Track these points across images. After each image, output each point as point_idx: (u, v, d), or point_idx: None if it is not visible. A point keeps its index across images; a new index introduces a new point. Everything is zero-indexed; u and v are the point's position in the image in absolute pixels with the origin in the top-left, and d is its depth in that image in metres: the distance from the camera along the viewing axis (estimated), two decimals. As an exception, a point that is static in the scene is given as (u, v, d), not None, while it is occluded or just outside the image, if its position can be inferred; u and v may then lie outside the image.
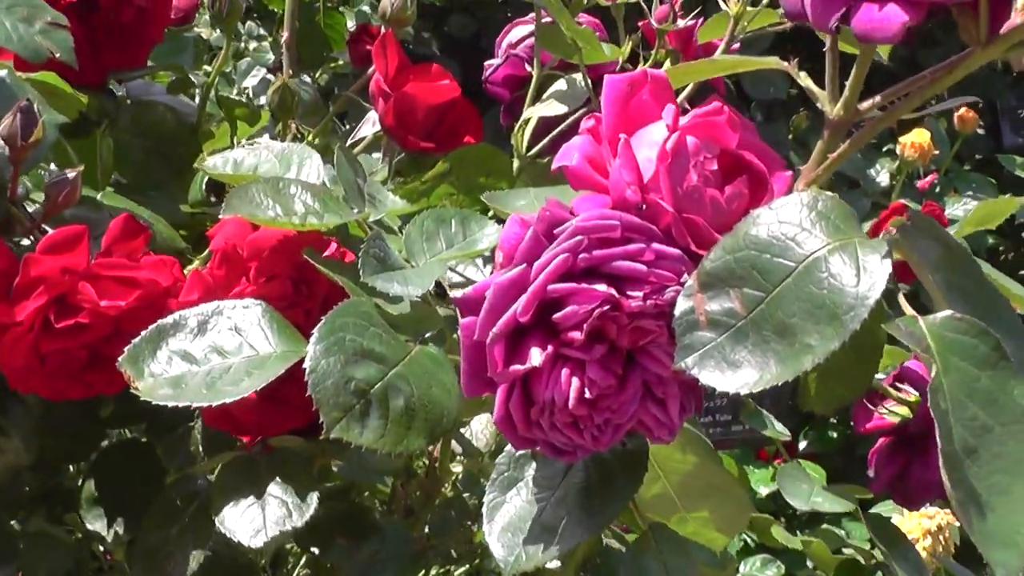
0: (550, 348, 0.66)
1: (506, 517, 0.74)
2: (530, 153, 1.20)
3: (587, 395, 0.65)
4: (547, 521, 0.73)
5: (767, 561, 2.50)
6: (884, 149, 3.56)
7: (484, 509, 0.75)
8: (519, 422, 0.68)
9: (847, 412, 2.98)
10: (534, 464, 0.76)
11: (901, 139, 3.03)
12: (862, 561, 1.01)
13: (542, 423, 0.67)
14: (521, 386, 0.67)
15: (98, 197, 0.97)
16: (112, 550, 1.16)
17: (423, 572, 1.31)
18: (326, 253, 0.87)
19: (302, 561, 1.55)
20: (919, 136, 2.99)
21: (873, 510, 1.13)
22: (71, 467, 1.31)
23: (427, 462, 1.05)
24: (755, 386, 0.60)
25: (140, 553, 0.91)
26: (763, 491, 2.72)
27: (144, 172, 1.11)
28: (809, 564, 2.91)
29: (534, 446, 0.70)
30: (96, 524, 1.05)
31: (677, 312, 0.62)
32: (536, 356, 0.66)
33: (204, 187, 1.09)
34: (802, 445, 3.28)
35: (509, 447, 0.76)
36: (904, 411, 0.94)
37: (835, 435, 3.31)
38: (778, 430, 0.93)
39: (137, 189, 1.08)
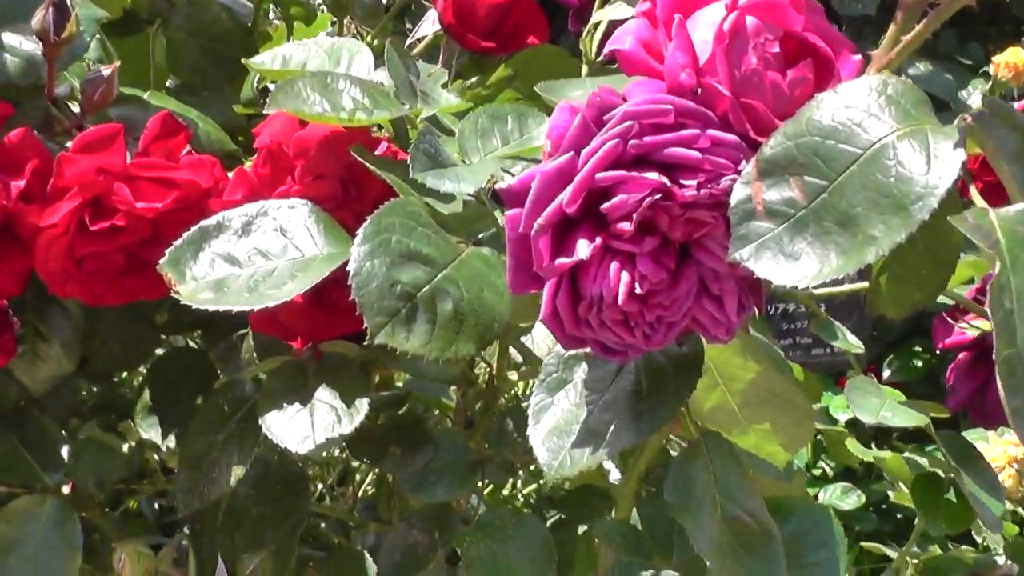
0: (598, 240, 0.62)
1: (552, 420, 0.71)
2: (599, 59, 1.16)
3: (637, 290, 0.62)
4: (594, 425, 0.70)
5: (847, 490, 2.46)
6: (979, 71, 3.46)
7: (530, 411, 0.72)
8: (567, 320, 0.64)
9: (931, 340, 2.92)
10: (584, 366, 0.72)
11: (995, 59, 2.94)
12: (940, 474, 0.97)
13: (591, 320, 0.64)
14: (568, 281, 0.64)
15: (144, 96, 0.95)
16: (167, 459, 1.15)
17: (489, 488, 1.30)
18: (377, 152, 0.84)
19: (368, 478, 1.54)
20: (1014, 56, 2.89)
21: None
22: (129, 377, 1.30)
23: (487, 371, 1.02)
24: (814, 279, 0.56)
25: (186, 459, 0.89)
26: (841, 418, 2.67)
27: (198, 73, 1.08)
28: (890, 494, 2.88)
29: (583, 345, 0.66)
30: (150, 432, 1.04)
31: (733, 200, 0.58)
32: (583, 248, 0.62)
33: (256, 88, 1.06)
34: (886, 374, 3.22)
35: (559, 347, 0.72)
36: (986, 325, 0.89)
37: (919, 364, 3.24)
38: (851, 342, 0.89)
39: (191, 91, 1.06)
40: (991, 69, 3.05)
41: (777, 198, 0.58)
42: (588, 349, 0.67)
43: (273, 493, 0.96)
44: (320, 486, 1.59)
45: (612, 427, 0.69)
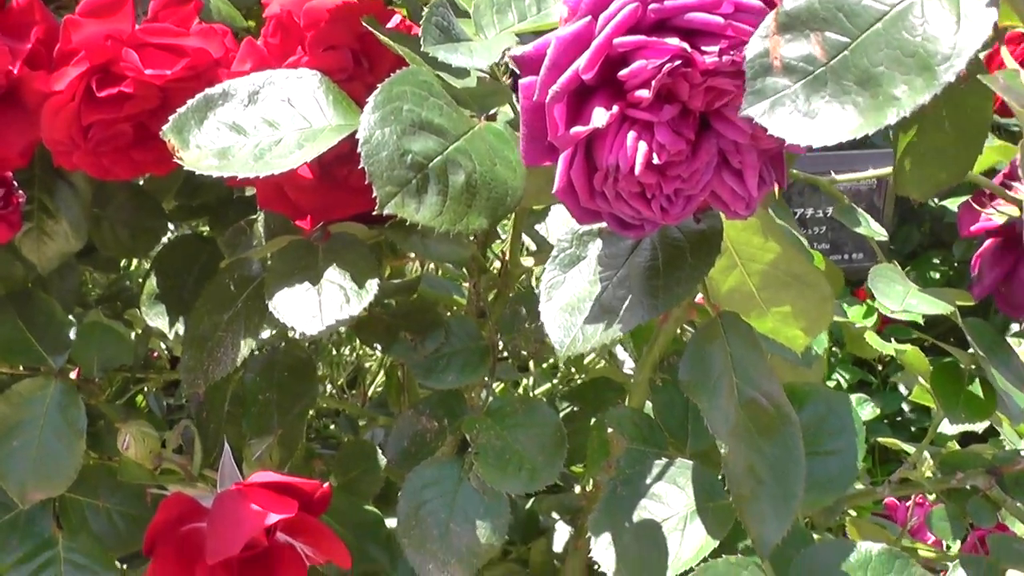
0: (615, 108, 0.60)
1: (565, 296, 0.69)
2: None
3: (655, 160, 0.60)
4: (607, 301, 0.68)
5: (862, 400, 2.44)
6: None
7: (542, 288, 0.70)
8: (581, 191, 0.62)
9: (950, 252, 2.89)
10: (598, 242, 0.70)
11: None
12: (961, 365, 0.95)
13: (606, 192, 0.62)
14: (584, 151, 0.62)
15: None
16: (173, 347, 1.13)
17: (500, 387, 1.29)
18: (390, 24, 0.81)
19: (378, 379, 1.54)
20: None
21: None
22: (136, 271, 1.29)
23: (501, 255, 1.00)
24: (830, 139, 0.53)
25: (190, 339, 0.88)
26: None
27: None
28: (904, 407, 2.87)
29: (597, 219, 0.64)
30: (157, 321, 1.03)
31: (749, 54, 0.55)
32: (600, 117, 0.60)
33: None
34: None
35: (573, 224, 0.70)
36: (1014, 210, 0.87)
37: (937, 276, 3.22)
38: (874, 228, 0.87)
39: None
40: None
41: (796, 54, 0.55)
42: (603, 225, 0.65)
43: (280, 380, 0.95)
44: (330, 387, 1.58)
45: (626, 303, 0.67)
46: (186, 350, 0.88)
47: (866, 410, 2.40)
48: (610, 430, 0.89)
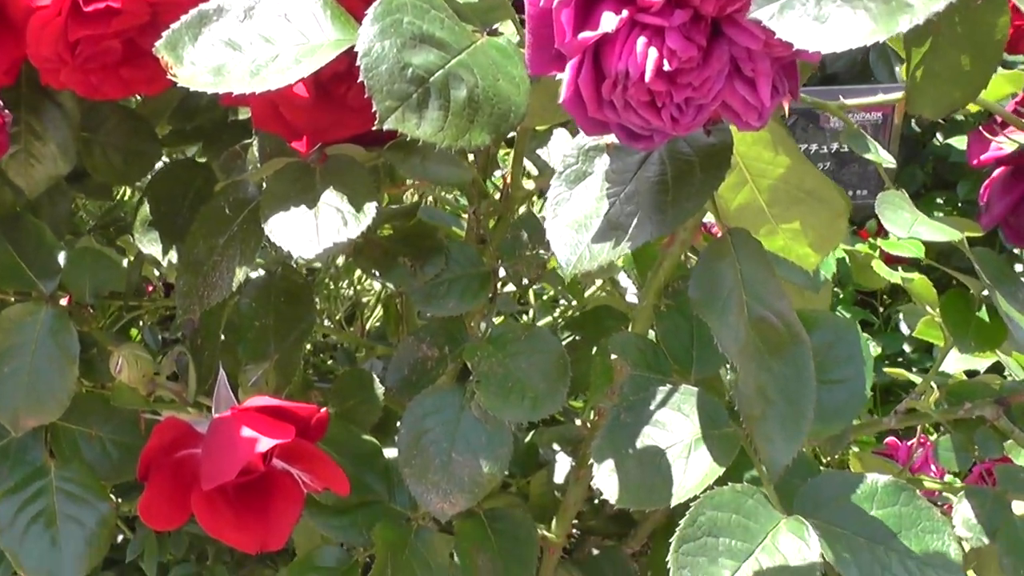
0: (625, 13, 0.57)
1: (571, 213, 0.67)
2: None
3: (666, 67, 0.57)
4: (615, 217, 0.66)
5: (865, 339, 2.43)
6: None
7: (547, 204, 0.68)
8: (589, 101, 0.60)
9: (954, 192, 2.86)
10: (605, 158, 0.68)
11: None
12: (971, 291, 0.94)
13: (615, 101, 0.60)
14: (592, 58, 0.59)
15: None
16: (167, 274, 1.11)
17: (502, 320, 1.27)
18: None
19: (376, 313, 1.52)
20: None
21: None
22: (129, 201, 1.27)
23: (503, 179, 0.98)
24: (841, 44, 0.51)
25: (185, 263, 0.86)
26: (862, 267, 2.64)
27: None
28: (906, 347, 2.86)
29: (605, 130, 0.62)
30: (150, 248, 1.01)
31: (759, -47, 0.53)
32: (609, 21, 0.57)
33: None
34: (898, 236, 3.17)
35: (579, 138, 0.68)
36: (1025, 138, 0.85)
37: (941, 216, 3.20)
38: (883, 156, 0.85)
39: None
40: None
41: (807, -45, 0.53)
42: (610, 139, 0.63)
43: (276, 305, 0.93)
44: (328, 323, 1.57)
45: (635, 219, 0.65)
46: (181, 275, 0.86)
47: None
48: (613, 356, 0.87)
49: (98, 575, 1.44)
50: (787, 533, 0.75)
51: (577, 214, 0.67)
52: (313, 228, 0.77)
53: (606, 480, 0.79)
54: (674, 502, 0.77)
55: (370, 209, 0.78)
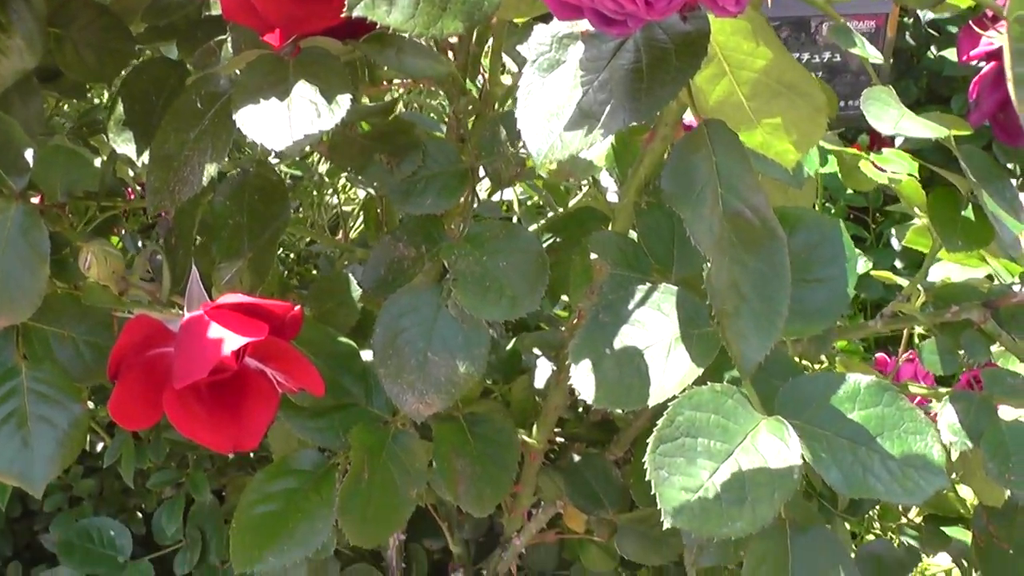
0: None
1: (543, 101, 0.65)
2: None
3: (639, -53, 0.56)
4: (588, 106, 0.64)
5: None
6: None
7: (519, 93, 0.66)
8: (562, -17, 0.58)
9: (948, 106, 2.84)
10: (579, 45, 0.66)
11: None
12: (960, 191, 0.92)
13: (587, -17, 0.58)
14: (565, -62, 0.58)
15: None
16: (142, 174, 1.10)
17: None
18: None
19: (359, 221, 1.51)
20: None
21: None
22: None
23: (481, 73, 0.96)
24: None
25: (156, 158, 0.84)
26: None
27: None
28: (897, 263, 2.85)
29: (579, 15, 0.60)
30: (125, 147, 0.99)
31: None
32: (580, -102, 0.56)
33: None
34: (898, 141, 3.15)
35: (553, 26, 0.66)
36: (1019, 32, 0.82)
37: (934, 127, 3.17)
38: (869, 52, 0.83)
39: None
40: None
41: None
42: (584, 26, 0.61)
43: (250, 203, 0.91)
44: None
45: (608, 107, 0.63)
46: (152, 170, 0.84)
47: (858, 265, 2.38)
48: (593, 256, 0.86)
49: (78, 482, 1.44)
50: (767, 434, 0.74)
51: (549, 103, 0.65)
52: (285, 120, 0.75)
53: (583, 380, 0.78)
54: (652, 402, 0.76)
55: (344, 101, 0.76)
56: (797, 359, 1.03)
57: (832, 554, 0.77)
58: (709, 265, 0.67)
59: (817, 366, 1.26)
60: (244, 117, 0.75)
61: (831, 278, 0.82)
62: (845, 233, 0.82)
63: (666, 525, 0.69)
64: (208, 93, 0.83)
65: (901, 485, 0.71)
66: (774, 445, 0.73)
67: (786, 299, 0.68)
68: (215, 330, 0.79)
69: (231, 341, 0.78)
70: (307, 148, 1.19)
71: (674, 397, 0.74)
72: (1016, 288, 0.97)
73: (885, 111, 0.83)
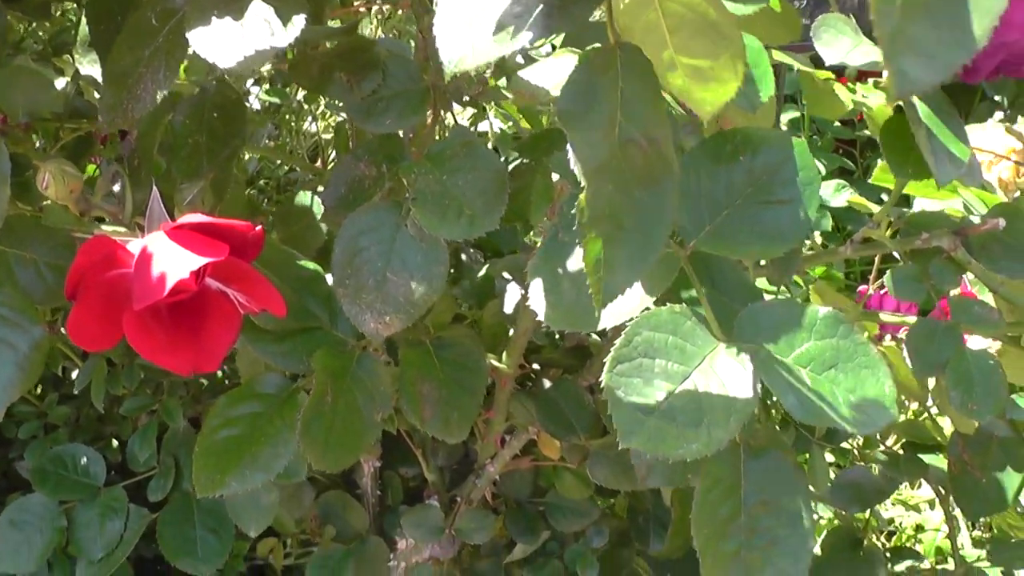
0: None
1: (459, 10, 0.63)
2: None
3: None
4: (504, 19, 0.62)
5: (841, 186, 2.40)
6: None
7: (438, 2, 0.64)
8: None
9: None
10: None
11: None
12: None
13: None
14: None
15: None
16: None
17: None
18: None
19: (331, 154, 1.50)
20: None
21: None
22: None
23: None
24: None
25: (110, 76, 0.82)
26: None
27: None
28: (884, 197, 2.84)
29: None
30: (90, 68, 0.98)
31: None
32: None
33: None
34: (885, 74, 3.14)
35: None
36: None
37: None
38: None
39: None
40: None
41: None
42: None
43: (209, 121, 0.90)
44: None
45: (522, 20, 0.62)
46: (106, 87, 0.83)
47: (843, 195, 2.37)
48: (555, 176, 0.85)
49: (53, 409, 1.44)
50: (725, 356, 0.73)
51: (465, 12, 0.63)
52: (240, 39, 0.74)
53: (539, 300, 0.77)
54: (602, 325, 0.76)
55: (299, 20, 0.75)
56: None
57: (785, 479, 0.76)
58: (585, 189, 0.64)
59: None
60: (197, 36, 0.74)
61: (793, 199, 0.80)
62: (808, 155, 0.81)
63: (621, 446, 0.69)
64: (163, 10, 0.82)
65: (852, 416, 0.71)
66: (732, 368, 0.72)
67: (664, 235, 0.66)
68: (174, 251, 0.78)
69: (190, 261, 0.77)
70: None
71: (632, 319, 0.73)
72: (975, 219, 0.95)
73: (837, 39, 0.81)
